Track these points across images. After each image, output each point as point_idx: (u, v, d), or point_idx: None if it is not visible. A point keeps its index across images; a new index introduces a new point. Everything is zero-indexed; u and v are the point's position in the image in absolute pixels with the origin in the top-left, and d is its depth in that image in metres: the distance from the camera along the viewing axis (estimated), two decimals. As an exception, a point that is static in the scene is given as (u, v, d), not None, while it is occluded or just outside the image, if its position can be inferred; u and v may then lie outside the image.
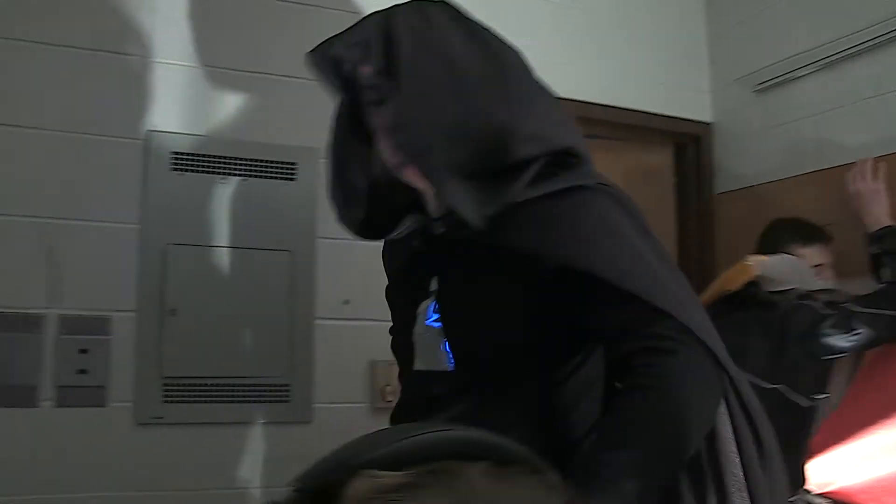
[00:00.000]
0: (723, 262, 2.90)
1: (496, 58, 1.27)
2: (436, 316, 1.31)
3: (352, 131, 1.33)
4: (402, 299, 1.44)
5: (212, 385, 2.30)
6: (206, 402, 2.29)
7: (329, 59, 1.28)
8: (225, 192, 2.20)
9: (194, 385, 2.29)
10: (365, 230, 1.39)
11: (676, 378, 1.10)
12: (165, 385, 2.27)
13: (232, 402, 2.31)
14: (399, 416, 1.45)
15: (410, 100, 1.21)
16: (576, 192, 1.21)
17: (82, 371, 2.21)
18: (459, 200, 1.19)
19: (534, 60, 1.33)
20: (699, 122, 3.27)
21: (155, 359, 2.27)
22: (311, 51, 1.30)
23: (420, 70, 1.22)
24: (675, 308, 1.12)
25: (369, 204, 1.37)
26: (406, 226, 1.37)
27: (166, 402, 2.27)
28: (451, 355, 1.29)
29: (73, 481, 2.18)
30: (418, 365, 1.37)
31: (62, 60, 2.27)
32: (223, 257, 2.33)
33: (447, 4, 1.31)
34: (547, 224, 1.20)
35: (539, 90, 1.31)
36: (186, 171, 2.32)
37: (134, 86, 2.33)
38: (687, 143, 3.29)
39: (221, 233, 2.34)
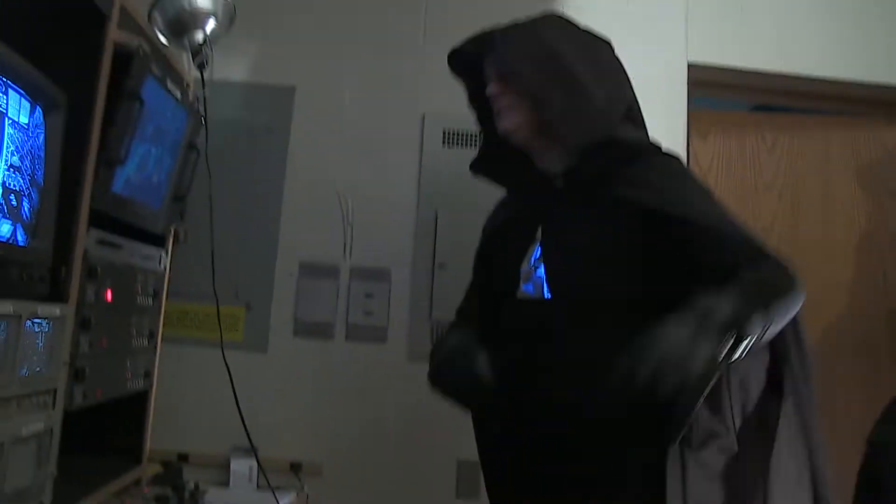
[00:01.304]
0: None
1: (593, 47, 1.59)
2: (538, 255, 1.58)
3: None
4: (512, 245, 1.66)
5: (472, 329, 2.68)
6: (466, 343, 2.66)
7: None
8: (487, 163, 2.61)
9: (458, 328, 2.68)
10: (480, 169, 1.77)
11: (793, 284, 1.35)
12: (433, 328, 2.68)
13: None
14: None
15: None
16: (681, 163, 1.57)
17: (368, 312, 2.68)
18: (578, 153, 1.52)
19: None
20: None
21: (426, 304, 2.69)
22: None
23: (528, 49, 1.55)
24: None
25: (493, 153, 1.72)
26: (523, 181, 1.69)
27: (434, 341, 2.67)
28: (548, 288, 1.55)
29: (356, 403, 2.65)
30: (520, 295, 1.61)
31: (364, 56, 2.82)
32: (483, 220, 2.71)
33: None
34: (663, 184, 1.48)
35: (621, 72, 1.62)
36: (454, 145, 2.75)
37: (413, 75, 2.82)
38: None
39: (484, 199, 2.71)
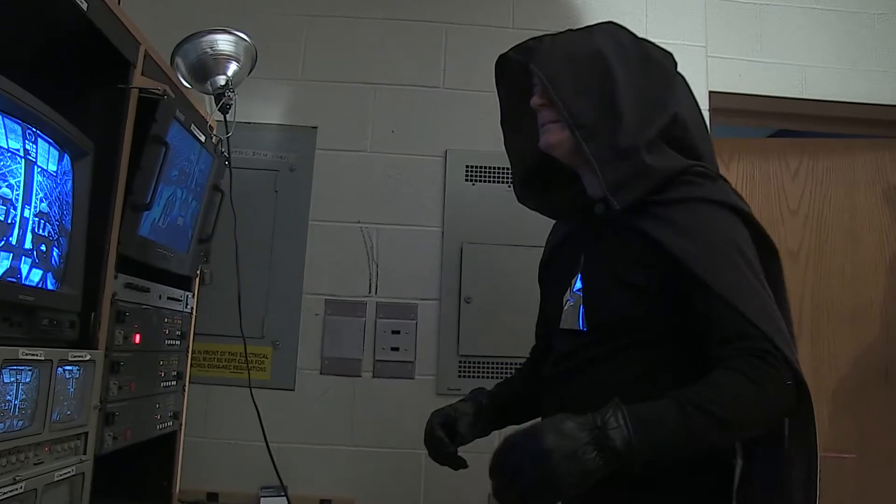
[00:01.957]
0: None
1: (643, 59, 1.51)
2: (580, 286, 1.52)
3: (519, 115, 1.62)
4: (555, 274, 1.63)
5: (500, 363, 2.68)
6: (494, 377, 2.65)
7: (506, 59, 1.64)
8: (510, 197, 2.59)
9: (485, 363, 2.68)
10: (526, 200, 1.70)
11: (770, 383, 1.21)
12: (461, 362, 2.68)
13: (516, 379, 2.66)
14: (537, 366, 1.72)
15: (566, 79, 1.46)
16: (713, 206, 1.37)
17: (395, 348, 2.68)
18: (612, 176, 1.39)
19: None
20: None
21: (453, 340, 2.68)
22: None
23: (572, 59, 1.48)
24: (780, 339, 1.24)
25: (535, 181, 1.67)
26: (570, 206, 1.63)
27: (461, 376, 2.67)
28: (583, 319, 1.49)
29: (384, 438, 2.65)
30: (562, 325, 1.56)
31: (385, 95, 2.85)
32: (510, 254, 2.72)
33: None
34: (685, 230, 1.34)
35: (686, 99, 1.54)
36: (478, 181, 2.76)
37: (435, 112, 2.84)
38: None
39: (508, 232, 2.72)
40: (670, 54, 1.57)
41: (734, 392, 1.20)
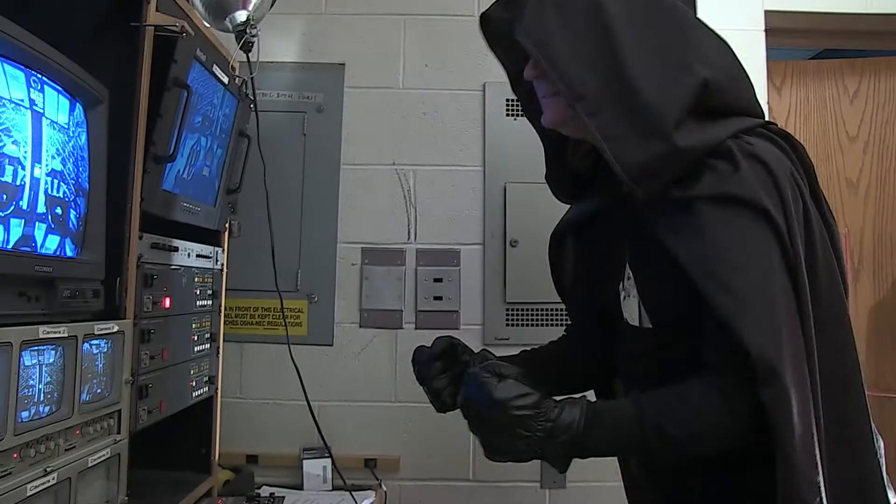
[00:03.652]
0: None
1: (657, 9, 1.22)
2: (631, 277, 1.32)
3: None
4: (597, 258, 1.44)
5: (549, 310, 2.52)
6: (543, 325, 2.50)
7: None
8: (556, 132, 2.42)
9: (534, 310, 2.52)
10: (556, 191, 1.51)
11: (744, 408, 1.06)
12: (508, 310, 2.52)
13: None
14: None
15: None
16: (730, 206, 1.11)
17: (437, 297, 2.52)
18: (631, 158, 1.14)
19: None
20: None
21: (499, 286, 2.52)
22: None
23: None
24: (780, 362, 1.03)
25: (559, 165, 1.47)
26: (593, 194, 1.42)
27: (509, 325, 2.52)
28: (647, 315, 1.30)
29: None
30: (627, 319, 1.37)
31: (417, 26, 2.64)
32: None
33: None
34: (693, 234, 1.12)
35: (714, 42, 1.25)
36: (520, 115, 2.56)
37: (470, 43, 2.60)
38: None
39: (553, 170, 2.53)
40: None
41: (700, 412, 1.10)
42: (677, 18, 1.22)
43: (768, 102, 2.73)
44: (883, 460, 1.19)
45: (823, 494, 1.04)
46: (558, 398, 1.16)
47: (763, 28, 2.70)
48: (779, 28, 2.75)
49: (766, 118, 1.27)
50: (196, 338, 1.89)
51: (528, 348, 1.63)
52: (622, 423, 1.12)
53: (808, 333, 1.09)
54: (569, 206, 1.55)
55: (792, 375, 1.03)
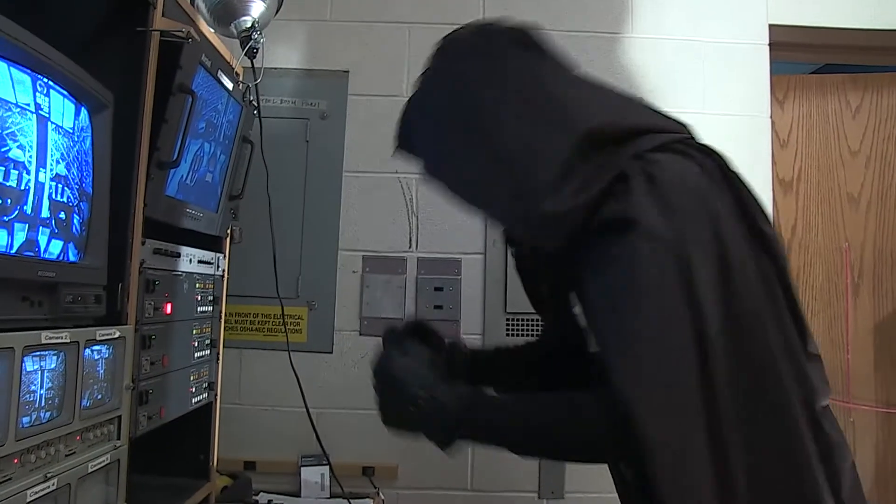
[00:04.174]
0: None
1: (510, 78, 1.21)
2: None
3: None
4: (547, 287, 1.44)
5: (550, 320, 2.50)
6: (544, 336, 2.49)
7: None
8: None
9: (534, 320, 2.51)
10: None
11: (608, 433, 1.05)
12: (508, 320, 2.52)
13: (567, 337, 2.51)
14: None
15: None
16: (626, 234, 1.05)
17: (438, 307, 2.52)
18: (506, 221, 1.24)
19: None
20: None
21: (500, 296, 2.52)
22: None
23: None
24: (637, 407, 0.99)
25: None
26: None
27: (509, 334, 2.52)
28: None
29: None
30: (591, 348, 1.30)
31: (421, 34, 2.63)
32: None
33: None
34: (592, 269, 1.10)
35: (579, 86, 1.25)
36: (523, 125, 2.57)
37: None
38: None
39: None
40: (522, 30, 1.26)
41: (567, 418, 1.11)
42: (546, 84, 1.21)
43: (771, 116, 2.73)
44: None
45: None
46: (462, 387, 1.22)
47: (767, 42, 2.72)
48: (783, 42, 2.77)
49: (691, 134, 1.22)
50: (196, 344, 1.88)
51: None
52: (496, 413, 1.18)
53: (707, 361, 1.03)
54: None
55: (663, 419, 1.00)
